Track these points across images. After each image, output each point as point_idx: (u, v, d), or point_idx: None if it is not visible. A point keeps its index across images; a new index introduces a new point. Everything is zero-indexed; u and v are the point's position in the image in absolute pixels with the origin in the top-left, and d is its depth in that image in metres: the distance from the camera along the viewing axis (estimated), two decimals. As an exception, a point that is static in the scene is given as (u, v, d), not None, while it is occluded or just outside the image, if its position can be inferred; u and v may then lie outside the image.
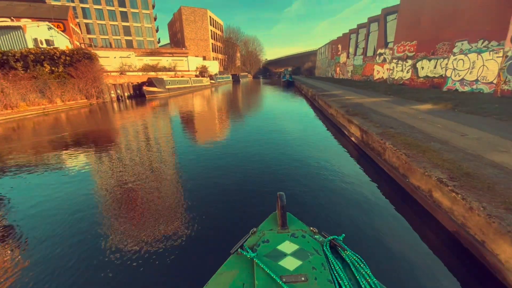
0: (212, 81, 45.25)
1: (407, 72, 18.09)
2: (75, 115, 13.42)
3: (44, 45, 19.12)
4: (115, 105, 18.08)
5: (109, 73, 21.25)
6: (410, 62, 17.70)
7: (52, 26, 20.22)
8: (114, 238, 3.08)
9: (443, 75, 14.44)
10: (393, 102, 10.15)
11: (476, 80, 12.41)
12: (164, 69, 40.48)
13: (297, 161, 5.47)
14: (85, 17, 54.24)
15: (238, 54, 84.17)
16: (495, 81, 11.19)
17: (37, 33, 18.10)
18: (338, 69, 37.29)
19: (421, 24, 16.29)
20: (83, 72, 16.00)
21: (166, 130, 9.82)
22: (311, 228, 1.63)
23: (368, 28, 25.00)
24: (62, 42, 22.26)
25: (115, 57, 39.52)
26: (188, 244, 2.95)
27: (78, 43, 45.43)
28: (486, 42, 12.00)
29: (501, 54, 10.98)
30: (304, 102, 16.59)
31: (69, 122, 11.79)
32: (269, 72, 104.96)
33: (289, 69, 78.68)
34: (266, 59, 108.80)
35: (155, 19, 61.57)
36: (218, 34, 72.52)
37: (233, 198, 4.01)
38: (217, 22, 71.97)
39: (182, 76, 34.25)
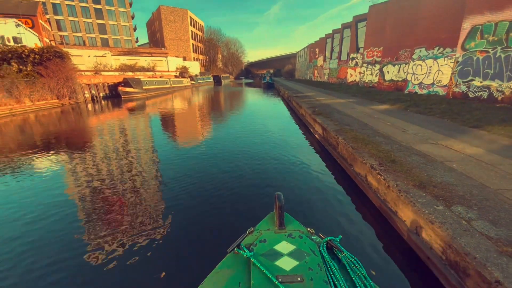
0: (193, 82, 44.97)
1: (376, 75, 19.44)
2: (45, 116, 13.02)
3: (12, 43, 18.22)
4: (89, 105, 17.66)
5: (82, 73, 20.61)
6: (378, 66, 19.04)
7: (20, 23, 19.32)
8: (108, 239, 3.09)
9: (405, 79, 15.79)
10: (357, 103, 11.05)
11: (433, 84, 13.76)
12: (142, 69, 39.60)
13: (272, 158, 5.97)
14: (55, 13, 51.41)
15: (220, 56, 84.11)
16: (448, 84, 12.53)
17: (3, 30, 17.24)
18: (316, 72, 38.73)
19: (386, 32, 17.64)
20: (54, 71, 15.48)
21: (143, 132, 9.94)
22: (308, 229, 1.65)
23: (342, 34, 26.41)
24: (31, 40, 21.28)
25: (89, 56, 38.03)
26: (184, 243, 3.00)
27: (48, 41, 43.07)
28: (441, 49, 13.37)
29: (453, 60, 12.32)
30: (281, 103, 17.30)
31: (39, 124, 11.49)
32: (251, 74, 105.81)
33: (271, 71, 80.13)
34: (248, 61, 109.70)
35: (132, 17, 59.82)
36: (199, 35, 72.06)
37: (206, 193, 4.41)
38: (198, 23, 71.52)
39: (161, 77, 33.81)
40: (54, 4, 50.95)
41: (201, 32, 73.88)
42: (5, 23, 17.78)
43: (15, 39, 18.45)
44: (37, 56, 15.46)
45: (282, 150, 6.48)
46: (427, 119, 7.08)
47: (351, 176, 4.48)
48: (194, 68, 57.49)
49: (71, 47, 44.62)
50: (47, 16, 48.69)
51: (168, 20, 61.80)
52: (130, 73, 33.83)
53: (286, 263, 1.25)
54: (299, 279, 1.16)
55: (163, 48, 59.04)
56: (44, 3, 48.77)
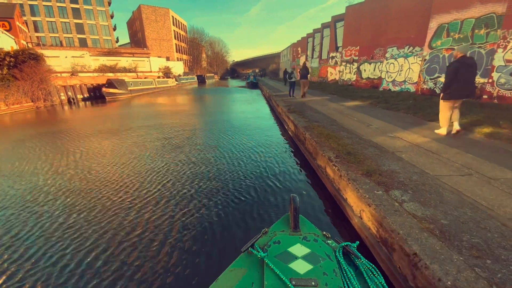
0: (176, 82, 44.41)
1: (354, 74, 20.11)
2: (16, 119, 12.52)
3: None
4: (66, 108, 17.10)
5: (58, 74, 19.90)
6: (355, 65, 19.70)
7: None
8: (126, 235, 3.18)
9: (380, 77, 16.47)
10: (331, 100, 11.47)
11: (404, 81, 14.47)
12: (124, 70, 38.66)
13: (247, 156, 6.15)
14: (33, 14, 49.47)
15: (204, 55, 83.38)
16: (417, 81, 13.22)
17: None
18: (298, 70, 39.36)
19: (361, 32, 18.30)
20: (28, 74, 14.91)
21: (146, 131, 9.82)
22: (324, 233, 1.62)
23: (322, 33, 27.04)
24: (6, 43, 20.29)
25: (66, 57, 36.75)
26: (199, 241, 3.07)
27: (24, 43, 41.23)
28: (411, 47, 14.07)
29: (421, 58, 13.01)
30: (263, 102, 17.55)
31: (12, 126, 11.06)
32: (237, 73, 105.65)
33: (257, 70, 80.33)
34: (233, 60, 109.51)
35: (112, 16, 58.24)
36: (182, 35, 71.11)
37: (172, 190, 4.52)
38: (180, 22, 70.55)
39: (145, 77, 33.14)
40: (31, 6, 49.04)
41: (184, 31, 72.92)
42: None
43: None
44: (12, 59, 14.82)
45: (257, 147, 6.68)
46: (392, 114, 7.52)
47: (314, 169, 4.74)
48: (178, 68, 56.69)
49: (47, 48, 42.93)
50: (24, 18, 46.60)
51: (150, 19, 60.55)
52: (111, 74, 32.95)
53: (300, 266, 1.22)
54: (313, 283, 1.12)
55: (145, 48, 57.86)
56: (21, 5, 46.79)
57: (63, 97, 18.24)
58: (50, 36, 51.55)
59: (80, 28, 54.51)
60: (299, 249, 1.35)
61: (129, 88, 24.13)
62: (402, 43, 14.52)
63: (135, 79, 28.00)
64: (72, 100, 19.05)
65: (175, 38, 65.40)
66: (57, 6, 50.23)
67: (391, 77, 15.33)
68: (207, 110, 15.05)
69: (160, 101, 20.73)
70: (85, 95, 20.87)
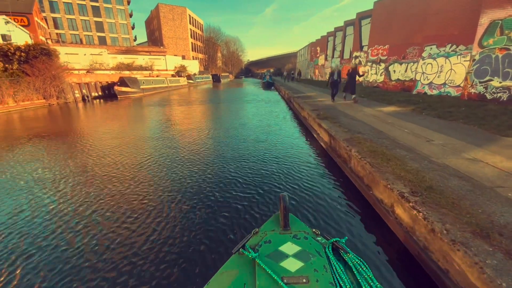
0: (190, 81, 44.03)
1: (381, 75, 18.46)
2: (26, 117, 12.08)
3: (0, 41, 17.28)
4: (80, 105, 16.72)
5: (72, 72, 19.61)
6: (383, 65, 18.07)
7: (10, 20, 18.35)
8: (114, 238, 3.03)
9: (413, 79, 14.81)
10: (362, 104, 10.10)
11: (444, 84, 12.80)
12: (140, 68, 38.76)
13: (266, 172, 5.02)
14: (52, 11, 50.71)
15: (219, 54, 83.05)
16: (462, 85, 11.56)
17: None
18: (317, 71, 37.75)
19: (392, 29, 16.66)
20: (40, 70, 14.54)
21: (136, 128, 9.01)
22: (314, 230, 1.63)
23: (345, 31, 25.42)
24: (21, 37, 20.31)
25: (85, 54, 37.23)
26: (189, 244, 2.93)
27: (44, 39, 42.27)
28: (454, 46, 12.40)
29: (468, 58, 11.35)
30: (282, 104, 16.36)
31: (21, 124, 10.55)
32: (251, 73, 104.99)
33: (271, 70, 78.97)
34: (248, 60, 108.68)
35: (130, 15, 59.03)
36: (198, 33, 71.06)
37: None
38: (197, 21, 70.52)
39: (157, 76, 32.86)
40: (51, 2, 50.20)
41: (200, 30, 72.88)
42: (-10, 19, 16.81)
43: (3, 37, 17.47)
44: (23, 54, 14.51)
45: (282, 162, 5.53)
46: (449, 125, 6.13)
47: (370, 202, 3.53)
48: (193, 67, 56.52)
49: (67, 45, 43.85)
50: (44, 14, 47.92)
51: (167, 18, 60.85)
52: (127, 72, 33.01)
53: (291, 264, 1.24)
54: (304, 280, 1.14)
55: (161, 47, 58.24)
56: (40, 1, 48.06)
57: (77, 95, 17.89)
58: (70, 33, 52.72)
59: (99, 26, 55.51)
60: (289, 248, 1.36)
61: (141, 87, 23.67)
62: (443, 41, 12.86)
63: (147, 77, 27.58)
64: (86, 98, 18.69)
65: (191, 37, 65.40)
66: (77, 3, 51.30)
67: (428, 79, 13.67)
68: (219, 114, 14.03)
69: (172, 103, 20.03)
70: (99, 93, 20.53)
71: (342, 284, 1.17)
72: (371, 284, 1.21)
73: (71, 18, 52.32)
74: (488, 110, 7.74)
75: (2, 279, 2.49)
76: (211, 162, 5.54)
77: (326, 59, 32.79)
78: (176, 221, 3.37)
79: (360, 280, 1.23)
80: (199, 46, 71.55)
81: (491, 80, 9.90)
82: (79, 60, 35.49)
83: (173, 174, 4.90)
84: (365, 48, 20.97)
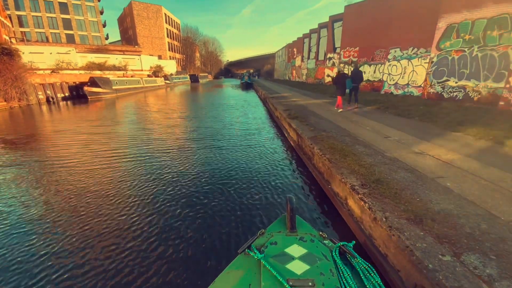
0: (167, 82, 42.91)
1: (353, 75, 19.31)
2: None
3: None
4: (44, 108, 15.65)
5: (35, 72, 18.29)
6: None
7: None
8: (124, 237, 3.07)
9: (381, 79, 15.69)
10: (334, 104, 10.52)
11: (407, 84, 13.71)
12: (113, 67, 37.06)
13: (240, 169, 5.08)
14: (17, 8, 46.99)
15: (198, 54, 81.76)
16: (422, 85, 12.45)
17: None
18: (294, 72, 38.53)
19: (361, 32, 17.51)
20: (0, 71, 13.40)
21: (130, 129, 8.63)
22: (320, 233, 1.61)
23: (319, 34, 26.24)
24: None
25: (51, 53, 34.93)
26: (195, 243, 2.96)
27: (7, 38, 38.96)
28: (416, 49, 13.31)
29: (428, 60, 12.26)
30: (259, 104, 16.54)
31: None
32: (231, 73, 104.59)
33: (251, 71, 79.23)
34: (228, 60, 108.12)
35: (101, 12, 56.17)
36: (175, 33, 69.43)
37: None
38: (174, 20, 68.91)
39: (132, 76, 31.62)
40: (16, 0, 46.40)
41: (177, 30, 71.25)
42: None
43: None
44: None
45: (253, 159, 5.63)
46: (407, 122, 6.61)
47: (329, 196, 3.73)
48: (170, 67, 55.12)
49: (32, 43, 40.80)
50: (8, 12, 44.20)
51: (141, 16, 58.75)
52: (99, 72, 31.47)
53: (297, 267, 1.22)
54: (310, 283, 1.12)
55: (136, 46, 56.10)
56: None
57: (41, 96, 16.69)
58: (36, 32, 49.20)
59: (67, 24, 52.30)
60: (296, 250, 1.34)
61: (114, 87, 22.65)
62: (405, 44, 13.77)
63: (121, 77, 26.43)
64: (51, 100, 17.50)
65: (167, 36, 63.75)
66: (44, 0, 47.99)
67: (393, 80, 14.56)
68: (195, 111, 13.88)
69: (147, 102, 19.44)
70: (67, 94, 19.33)
71: None
72: None
73: (37, 16, 48.83)
74: (443, 108, 8.44)
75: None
76: (184, 161, 5.51)
77: (302, 60, 33.59)
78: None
79: (367, 286, 1.21)
80: (176, 45, 69.93)
81: (448, 80, 10.77)
82: (44, 59, 33.24)
83: (145, 177, 4.80)
84: (338, 50, 21.82)
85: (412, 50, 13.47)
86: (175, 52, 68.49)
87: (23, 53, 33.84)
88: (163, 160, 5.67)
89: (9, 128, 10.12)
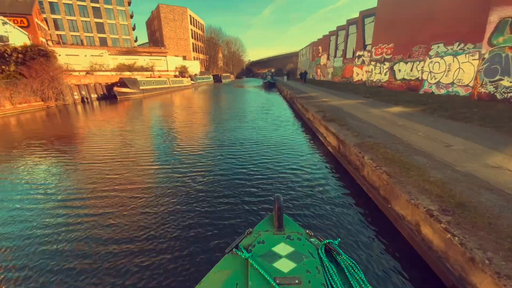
0: (192, 82, 43.83)
1: (385, 74, 18.08)
2: (27, 119, 11.83)
3: (-3, 41, 17.06)
4: (79, 107, 16.47)
5: (71, 73, 19.37)
6: (387, 64, 17.68)
7: (8, 21, 18.11)
8: (108, 237, 3.04)
9: (420, 78, 14.42)
10: (370, 104, 9.75)
11: (452, 83, 12.40)
12: (141, 68, 38.57)
13: (271, 178, 4.69)
14: (53, 12, 50.61)
15: (220, 55, 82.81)
16: (471, 84, 11.17)
17: None
18: (319, 70, 37.35)
19: (397, 27, 16.27)
20: (37, 71, 14.27)
21: (141, 131, 8.73)
22: (307, 231, 1.63)
23: (347, 30, 25.03)
24: (19, 38, 20.11)
25: (85, 56, 37.14)
26: (182, 242, 2.92)
27: (44, 40, 42.20)
28: (462, 44, 12.00)
29: (477, 57, 10.98)
30: (285, 105, 16.02)
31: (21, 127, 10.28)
32: (252, 73, 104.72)
33: (272, 70, 78.62)
34: (249, 60, 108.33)
35: (131, 16, 58.90)
36: (199, 34, 70.83)
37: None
38: (198, 21, 70.31)
39: (159, 77, 32.59)
40: (51, 3, 50.06)
41: (201, 31, 72.65)
42: (-12, 20, 16.59)
43: (0, 38, 17.24)
44: (20, 55, 14.25)
45: (288, 166, 5.20)
46: (465, 127, 5.76)
47: (389, 218, 3.18)
48: (194, 67, 56.27)
49: (68, 46, 43.73)
50: (44, 15, 47.84)
51: (168, 18, 60.66)
52: (128, 73, 32.85)
53: (284, 265, 1.24)
54: (296, 281, 1.14)
55: (162, 48, 58.05)
56: (41, 2, 48.01)
57: (76, 97, 17.62)
58: (71, 35, 52.61)
59: (100, 27, 55.39)
60: (283, 248, 1.36)
61: (141, 88, 23.39)
62: (450, 39, 12.45)
63: (148, 78, 27.26)
64: (86, 100, 18.43)
65: (192, 37, 65.18)
66: (78, 4, 51.16)
67: (435, 78, 13.27)
68: (221, 112, 13.70)
69: (172, 102, 19.75)
70: (100, 94, 20.27)
71: (334, 286, 1.18)
72: (363, 286, 1.21)
73: (71, 19, 52.18)
74: (501, 111, 7.37)
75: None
76: (211, 164, 5.24)
77: (328, 58, 32.39)
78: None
79: (352, 282, 1.23)
80: (200, 46, 71.33)
81: (501, 79, 9.52)
82: (79, 61, 35.37)
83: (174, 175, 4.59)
84: (368, 47, 20.58)
85: (458, 46, 12.15)
86: (199, 52, 69.90)
87: (59, 55, 36.70)
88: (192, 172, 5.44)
89: (48, 126, 10.63)
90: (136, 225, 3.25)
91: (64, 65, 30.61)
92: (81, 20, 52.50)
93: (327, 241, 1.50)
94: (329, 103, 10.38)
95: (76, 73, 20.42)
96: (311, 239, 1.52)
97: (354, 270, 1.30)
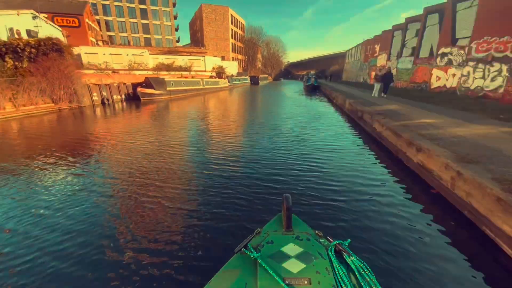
0: (228, 84, 41.35)
1: (493, 80, 12.44)
2: (31, 123, 9.69)
3: (25, 36, 15.88)
4: (97, 110, 14.38)
5: (87, 71, 17.52)
6: (500, 66, 12.05)
7: (38, 15, 17.03)
8: (117, 237, 2.99)
9: None
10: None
11: None
12: (180, 68, 37.54)
13: None
14: (105, 14, 53.57)
15: (259, 55, 79.96)
16: None
17: (16, 22, 14.85)
18: (373, 73, 31.50)
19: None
20: (46, 68, 12.29)
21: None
22: (316, 232, 1.63)
23: (424, 21, 19.33)
24: (51, 34, 19.12)
25: (127, 55, 37.36)
26: (191, 241, 2.92)
27: (94, 40, 43.96)
28: None
29: None
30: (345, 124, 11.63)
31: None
32: (291, 75, 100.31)
33: (312, 72, 73.01)
34: (288, 61, 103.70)
35: (175, 17, 59.69)
36: (239, 34, 68.97)
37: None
38: (239, 21, 68.50)
39: (192, 77, 30.29)
40: (104, 6, 52.78)
41: (241, 30, 70.75)
42: (17, 14, 15.45)
43: (29, 32, 16.12)
44: (33, 50, 12.48)
45: None
46: None
47: None
48: (232, 68, 54.06)
49: (113, 46, 45.04)
50: (97, 17, 50.50)
51: (209, 18, 59.87)
52: (164, 72, 31.88)
53: (293, 266, 1.24)
54: (306, 282, 1.14)
55: (202, 48, 57.43)
56: (94, 4, 50.82)
57: (95, 98, 15.65)
58: (120, 35, 55.17)
59: (146, 28, 57.28)
60: (292, 249, 1.36)
61: (168, 88, 20.87)
62: None
63: (179, 78, 24.76)
64: (106, 101, 16.42)
65: (232, 37, 63.54)
66: (127, 6, 53.20)
67: None
68: (253, 128, 9.88)
69: (202, 106, 16.67)
70: (125, 95, 18.25)
71: (344, 287, 1.16)
72: None
73: (121, 21, 54.66)
74: None
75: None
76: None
77: (389, 58, 26.61)
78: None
79: (362, 284, 1.20)
80: (239, 46, 69.42)
81: None
82: (121, 60, 35.68)
83: None
84: (462, 42, 14.92)
85: None
86: (237, 53, 68.03)
87: (104, 54, 37.39)
88: None
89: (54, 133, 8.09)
90: (141, 223, 3.21)
91: (102, 63, 30.36)
92: (129, 21, 54.72)
93: (337, 242, 1.46)
94: (448, 131, 5.80)
95: (93, 71, 18.82)
96: (320, 240, 1.51)
97: (365, 272, 1.26)
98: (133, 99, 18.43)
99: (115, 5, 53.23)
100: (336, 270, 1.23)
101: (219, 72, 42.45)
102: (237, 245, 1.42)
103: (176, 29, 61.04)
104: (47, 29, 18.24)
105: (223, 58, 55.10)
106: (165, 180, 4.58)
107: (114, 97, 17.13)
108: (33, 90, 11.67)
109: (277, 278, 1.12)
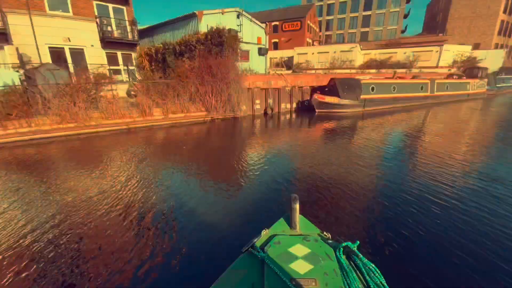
0: (486, 87, 23.40)
1: None
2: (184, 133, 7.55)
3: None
4: (257, 123, 10.60)
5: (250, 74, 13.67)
6: None
7: (241, 12, 16.13)
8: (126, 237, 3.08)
9: None
10: None
11: None
12: (397, 64, 27.55)
13: None
14: (329, 14, 53.70)
15: None
16: None
17: (219, 21, 14.49)
18: None
19: None
20: (209, 68, 9.58)
21: None
22: (324, 233, 1.60)
23: None
24: (256, 32, 18.16)
25: (334, 52, 33.64)
26: (199, 241, 2.95)
27: (309, 40, 44.65)
28: None
29: None
30: None
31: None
32: None
33: None
34: None
35: (407, 1, 47.06)
36: (524, 3, 40.78)
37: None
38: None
39: (413, 76, 18.70)
40: (329, 5, 52.85)
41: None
42: (222, 13, 15.07)
43: (229, 31, 15.56)
44: (201, 47, 10.45)
45: None
46: None
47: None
48: (493, 61, 32.39)
49: (326, 45, 43.32)
50: (320, 18, 51.51)
51: (465, -11, 40.25)
52: (373, 71, 24.32)
53: (301, 266, 1.22)
54: (313, 283, 1.13)
55: (440, 34, 40.55)
56: (321, 6, 52.12)
57: (257, 106, 11.76)
58: (336, 33, 53.34)
59: (366, 21, 51.07)
60: (299, 249, 1.35)
61: (363, 96, 12.15)
62: None
63: (387, 79, 14.51)
64: (270, 111, 12.13)
65: (504, 11, 39.01)
66: (351, 1, 49.58)
67: None
68: None
69: (421, 136, 7.36)
70: (298, 103, 13.16)
71: None
72: None
73: (341, 18, 52.29)
74: None
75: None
76: None
77: None
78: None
79: (372, 287, 1.20)
80: (517, 24, 41.51)
81: None
82: (326, 58, 32.61)
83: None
84: None
85: None
86: (508, 36, 41.14)
87: (312, 53, 35.92)
88: None
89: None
90: (149, 222, 3.34)
91: (303, 63, 28.19)
92: (350, 16, 50.82)
93: (346, 243, 1.43)
94: None
95: (312, 72, 15.00)
96: (328, 241, 1.48)
97: (374, 275, 1.24)
98: (308, 109, 12.80)
99: (340, 2, 51.20)
100: (345, 272, 1.22)
101: (471, 67, 25.33)
102: (244, 244, 1.41)
103: (405, 16, 48.32)
104: (248, 27, 17.21)
105: (476, 46, 35.01)
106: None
107: (282, 105, 12.45)
108: (184, 97, 9.49)
109: (284, 279, 1.12)
